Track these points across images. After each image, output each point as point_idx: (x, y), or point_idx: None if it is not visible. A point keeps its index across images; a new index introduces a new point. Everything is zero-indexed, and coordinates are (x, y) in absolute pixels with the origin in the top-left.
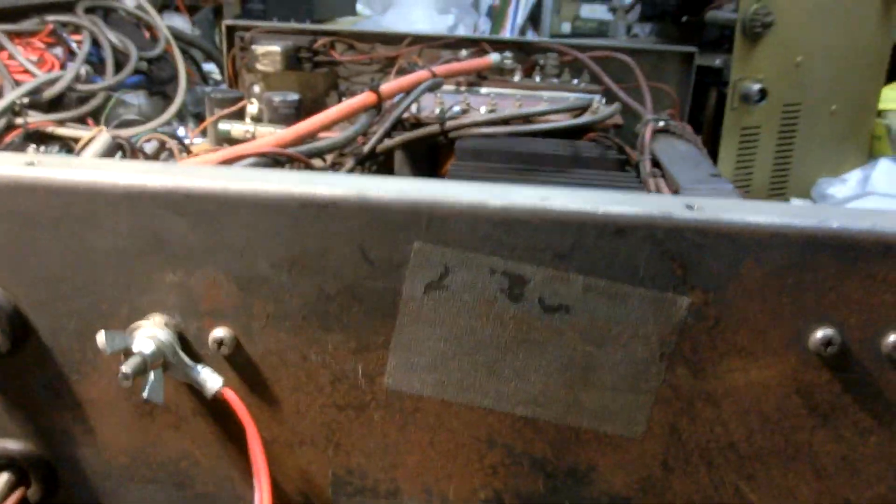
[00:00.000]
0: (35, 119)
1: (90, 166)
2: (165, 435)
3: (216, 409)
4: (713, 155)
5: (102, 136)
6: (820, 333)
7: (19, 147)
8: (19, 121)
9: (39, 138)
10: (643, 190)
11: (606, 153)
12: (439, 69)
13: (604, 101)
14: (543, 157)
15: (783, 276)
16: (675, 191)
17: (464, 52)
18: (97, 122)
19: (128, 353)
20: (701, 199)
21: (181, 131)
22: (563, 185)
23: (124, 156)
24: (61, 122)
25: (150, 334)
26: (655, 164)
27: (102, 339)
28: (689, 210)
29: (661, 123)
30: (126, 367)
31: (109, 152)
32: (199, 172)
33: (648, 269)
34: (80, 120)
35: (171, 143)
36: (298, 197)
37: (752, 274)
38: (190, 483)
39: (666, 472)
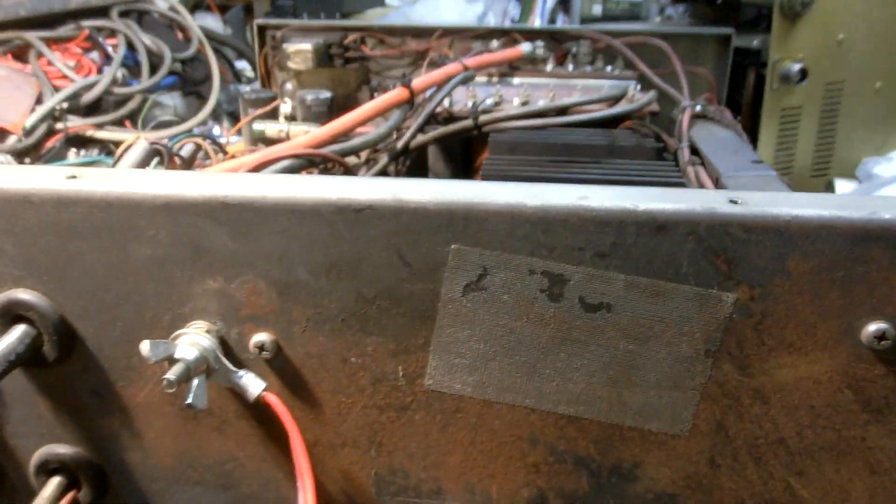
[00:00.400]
0: (74, 123)
1: (129, 178)
2: (210, 438)
3: (258, 412)
4: (753, 138)
5: (140, 143)
6: (873, 327)
7: (60, 152)
8: (59, 126)
9: (79, 142)
10: (682, 179)
11: (643, 142)
12: (470, 61)
13: (639, 87)
14: (579, 149)
15: (832, 269)
16: (716, 179)
17: (494, 43)
18: (134, 125)
19: (172, 360)
20: (744, 193)
21: (216, 130)
22: (599, 177)
23: (161, 161)
24: (100, 126)
25: (192, 341)
26: (694, 151)
27: (147, 349)
28: (732, 205)
29: (699, 109)
30: (170, 375)
31: (147, 159)
32: (236, 181)
33: (691, 265)
34: (118, 123)
35: (206, 145)
36: (334, 202)
37: (799, 268)
38: (235, 484)
39: (713, 468)
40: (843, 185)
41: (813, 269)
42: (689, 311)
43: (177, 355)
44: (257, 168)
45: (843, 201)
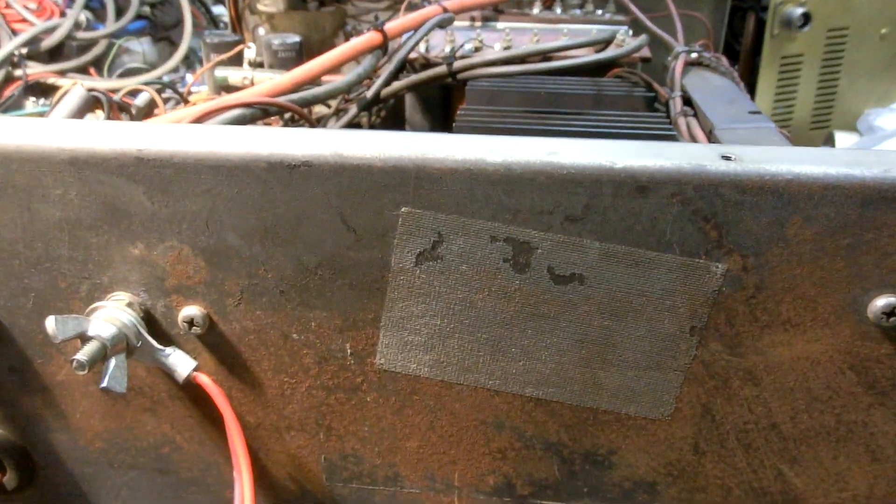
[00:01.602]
0: (34, 70)
1: (28, 129)
2: (142, 419)
3: (194, 391)
4: (751, 87)
5: (76, 90)
6: (881, 301)
7: (18, 101)
8: (18, 73)
9: (40, 90)
10: (672, 132)
11: (633, 91)
12: (450, 4)
13: (630, 32)
14: (563, 98)
15: (838, 236)
16: (709, 131)
17: None
18: (100, 72)
19: (84, 338)
20: (739, 148)
21: (189, 78)
22: (583, 129)
23: (105, 111)
24: (62, 73)
25: (109, 316)
26: (687, 101)
27: (52, 325)
28: (725, 161)
29: (694, 55)
30: (81, 355)
31: (84, 108)
32: (153, 132)
33: (676, 231)
34: (83, 70)
35: (154, 93)
36: (266, 158)
37: (800, 234)
38: (173, 469)
39: (697, 455)
40: (843, 138)
41: (815, 236)
42: (673, 283)
43: (90, 332)
44: (201, 119)
45: (851, 157)
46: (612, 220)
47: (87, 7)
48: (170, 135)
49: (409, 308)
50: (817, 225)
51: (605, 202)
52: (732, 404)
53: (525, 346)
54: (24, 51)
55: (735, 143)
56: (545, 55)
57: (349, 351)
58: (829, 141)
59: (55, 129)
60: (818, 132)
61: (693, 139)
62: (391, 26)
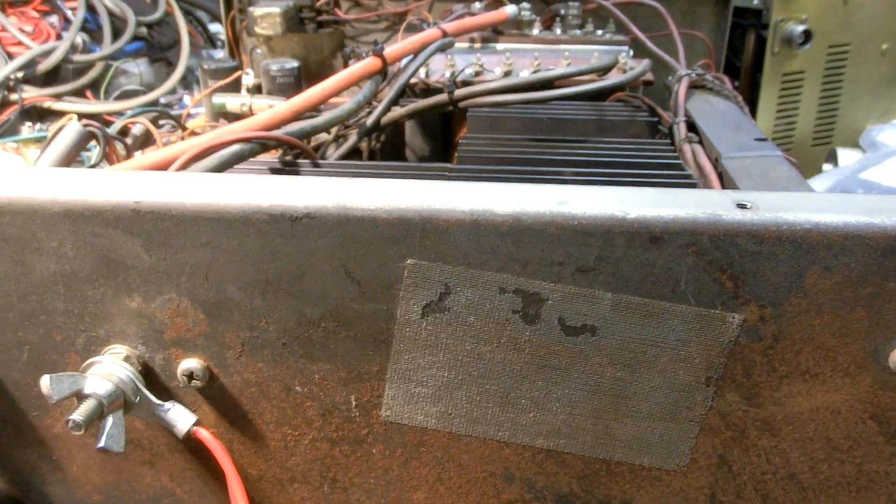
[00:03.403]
0: (30, 94)
1: (20, 178)
2: (140, 472)
3: (194, 442)
4: (751, 105)
5: (71, 125)
6: None
7: (14, 126)
8: (14, 97)
9: (37, 115)
10: (678, 160)
11: (636, 116)
12: (450, 27)
13: (631, 53)
14: (566, 124)
15: (858, 285)
16: (715, 159)
17: (477, 5)
18: (96, 95)
19: (80, 395)
20: (755, 194)
21: (186, 100)
22: (587, 158)
23: (100, 146)
24: (58, 97)
25: (106, 372)
26: (691, 126)
27: (47, 385)
28: (741, 210)
29: (696, 77)
30: (77, 415)
31: (80, 144)
32: (149, 182)
33: (691, 282)
34: (79, 93)
35: (150, 125)
36: (266, 210)
37: (819, 284)
38: None
39: None
40: (846, 155)
41: (835, 286)
42: (688, 333)
43: (86, 390)
44: (198, 156)
45: (872, 204)
46: (625, 270)
47: (83, 29)
48: (167, 185)
49: (416, 360)
50: (837, 275)
51: (618, 253)
52: (750, 455)
53: (535, 397)
54: (20, 74)
55: (742, 173)
56: (547, 82)
57: (354, 403)
58: (832, 157)
59: (48, 180)
60: (820, 149)
61: (699, 168)
62: (390, 51)
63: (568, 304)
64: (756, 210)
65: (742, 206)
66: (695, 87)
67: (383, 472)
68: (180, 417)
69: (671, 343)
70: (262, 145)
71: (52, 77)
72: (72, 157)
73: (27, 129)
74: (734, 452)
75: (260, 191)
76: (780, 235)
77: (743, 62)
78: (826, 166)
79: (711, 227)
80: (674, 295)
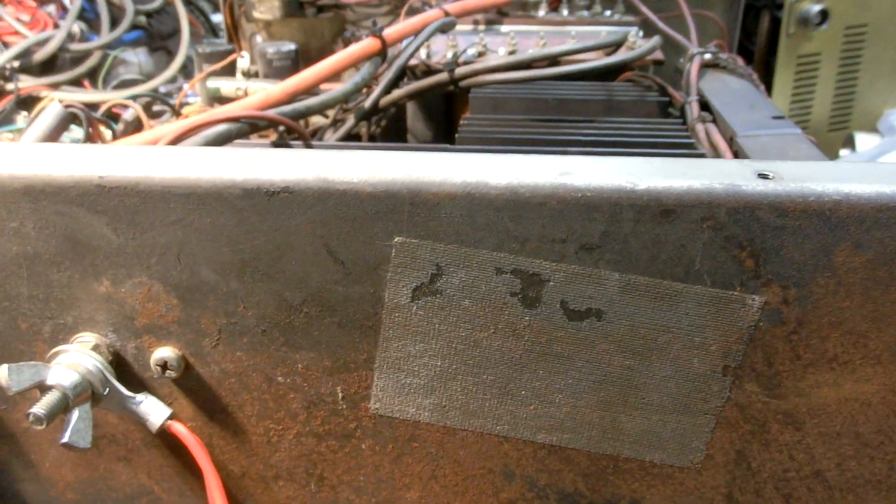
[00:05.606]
0: (27, 84)
1: None
2: (116, 469)
3: (172, 437)
4: (766, 88)
5: (52, 106)
6: None
7: (9, 115)
8: (10, 86)
9: (33, 105)
10: (690, 140)
11: (646, 96)
12: (452, 7)
13: (641, 34)
14: (572, 105)
15: (893, 264)
16: (730, 139)
17: None
18: (94, 84)
19: (43, 387)
20: (777, 164)
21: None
22: (594, 138)
23: (83, 127)
24: (55, 86)
25: (72, 362)
26: (704, 106)
27: (5, 375)
28: (762, 180)
29: (709, 57)
30: (38, 409)
31: (61, 126)
32: (115, 156)
33: (707, 260)
34: (76, 82)
35: (139, 109)
36: (241, 184)
37: (849, 262)
38: None
39: None
40: (864, 140)
41: (867, 264)
42: (703, 317)
43: (49, 381)
44: (182, 136)
45: None
46: (634, 248)
47: (80, 18)
48: (134, 159)
49: (406, 348)
50: (869, 251)
51: (626, 228)
52: (771, 451)
53: (536, 388)
54: (16, 64)
55: (759, 151)
56: (552, 59)
57: (340, 395)
58: (850, 143)
59: (6, 155)
60: (837, 134)
61: (713, 147)
62: (390, 32)
63: (571, 285)
64: (779, 180)
65: (764, 177)
66: (708, 66)
67: (374, 468)
68: (153, 410)
69: (685, 328)
70: (252, 126)
71: (48, 66)
72: (53, 140)
73: (23, 119)
74: (754, 448)
75: (234, 163)
76: (805, 208)
77: (757, 44)
78: (843, 151)
79: (730, 199)
80: (687, 275)
